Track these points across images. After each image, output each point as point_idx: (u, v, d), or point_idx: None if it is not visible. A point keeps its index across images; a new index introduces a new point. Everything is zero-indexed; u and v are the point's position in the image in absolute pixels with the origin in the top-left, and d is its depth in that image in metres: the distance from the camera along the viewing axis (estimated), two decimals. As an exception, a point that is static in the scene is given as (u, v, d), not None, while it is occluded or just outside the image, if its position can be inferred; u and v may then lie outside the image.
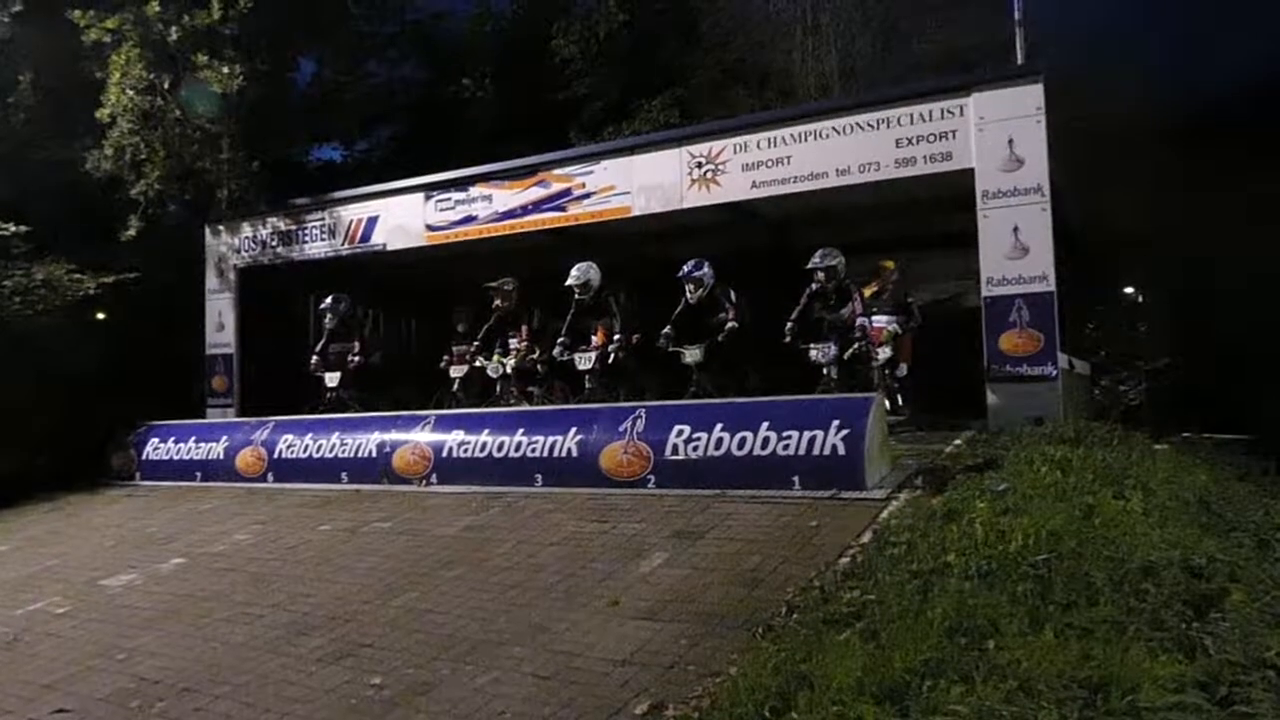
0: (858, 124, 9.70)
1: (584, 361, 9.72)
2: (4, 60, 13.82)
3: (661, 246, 11.83)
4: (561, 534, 6.81)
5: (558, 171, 11.60)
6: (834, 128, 9.84)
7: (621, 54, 17.91)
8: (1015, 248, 8.78)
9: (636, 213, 11.02)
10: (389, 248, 12.83)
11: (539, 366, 10.55)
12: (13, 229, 12.35)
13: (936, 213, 10.33)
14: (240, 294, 13.95)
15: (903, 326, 9.89)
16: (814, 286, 9.44)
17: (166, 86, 13.09)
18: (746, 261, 11.94)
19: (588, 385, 9.75)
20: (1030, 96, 8.83)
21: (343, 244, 13.18)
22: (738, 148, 10.36)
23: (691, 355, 9.38)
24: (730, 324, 9.34)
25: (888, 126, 9.54)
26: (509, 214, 11.88)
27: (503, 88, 18.91)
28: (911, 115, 9.43)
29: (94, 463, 11.51)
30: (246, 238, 13.99)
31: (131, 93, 12.89)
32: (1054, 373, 8.63)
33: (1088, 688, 3.36)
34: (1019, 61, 11.24)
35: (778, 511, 6.64)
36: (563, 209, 11.50)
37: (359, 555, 7.01)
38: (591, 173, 11.34)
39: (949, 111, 9.26)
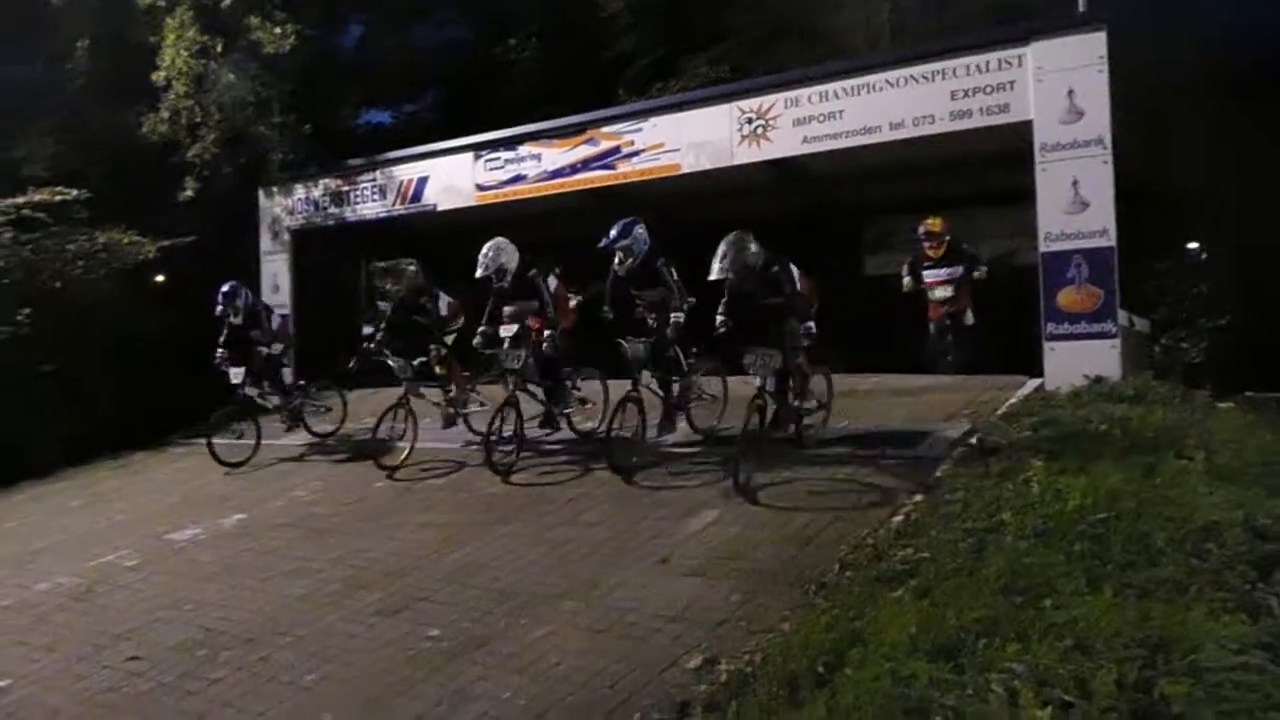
0: (912, 76, 9.48)
1: (512, 360, 7.94)
2: (62, 26, 14.03)
3: (709, 207, 11.74)
4: (611, 490, 6.86)
5: (606, 129, 11.52)
6: (887, 80, 9.62)
7: (668, 9, 17.64)
8: (1074, 202, 8.55)
9: (685, 170, 10.92)
10: (440, 208, 12.90)
11: (437, 368, 8.88)
12: (74, 194, 12.61)
13: (991, 167, 10.08)
14: (294, 255, 14.15)
15: (959, 278, 9.73)
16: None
17: (219, 50, 13.21)
18: (795, 223, 11.82)
19: (510, 386, 8.01)
20: (1092, 45, 8.54)
21: (394, 204, 13.28)
22: (788, 102, 10.18)
23: (632, 350, 7.51)
24: (677, 315, 7.51)
25: (943, 78, 9.30)
26: (558, 173, 11.86)
27: (549, 47, 18.75)
28: (967, 66, 9.18)
29: (156, 421, 11.79)
30: (300, 199, 14.16)
31: (186, 55, 13.05)
32: (1114, 330, 8.44)
33: (1147, 647, 3.31)
34: (1080, 10, 10.87)
35: (830, 470, 6.63)
36: (611, 167, 11.44)
37: (414, 512, 7.14)
38: (640, 130, 11.24)
39: (1006, 62, 9.00)
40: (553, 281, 8.36)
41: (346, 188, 13.78)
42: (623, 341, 7.51)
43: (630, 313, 7.94)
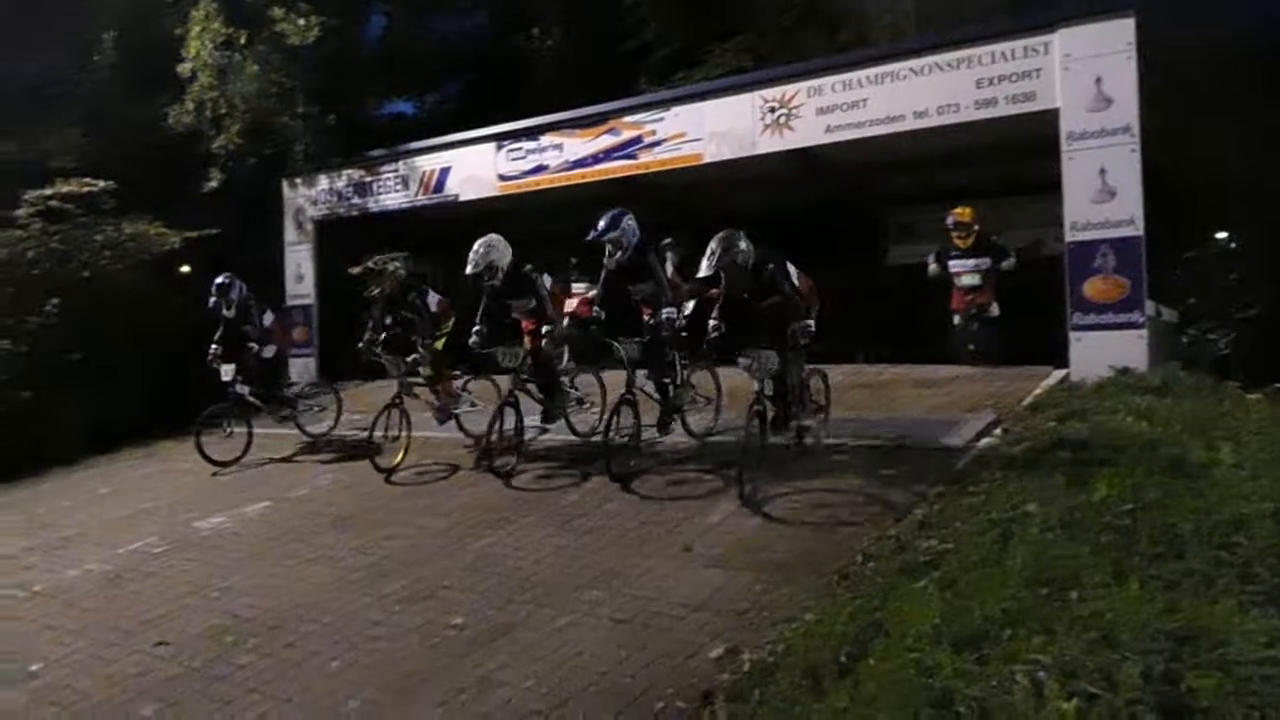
0: (937, 64, 9.41)
1: (508, 359, 7.73)
2: (89, 18, 14.15)
3: (731, 197, 11.71)
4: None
5: (628, 119, 11.51)
6: (911, 69, 9.56)
7: (689, -1, 17.57)
8: (1101, 191, 8.47)
9: (708, 160, 10.90)
10: (462, 198, 12.94)
11: (423, 369, 8.62)
12: (101, 185, 12.76)
13: (1017, 157, 9.99)
14: (318, 246, 14.24)
15: (987, 269, 9.65)
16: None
17: (243, 41, 13.30)
18: (817, 213, 11.79)
19: (509, 385, 7.78)
20: (1120, 32, 8.44)
21: (417, 194, 13.34)
22: (811, 91, 10.14)
23: (626, 351, 7.27)
24: (669, 311, 7.12)
25: (968, 66, 9.23)
26: (579, 163, 11.86)
27: (570, 37, 18.73)
28: (993, 54, 9.11)
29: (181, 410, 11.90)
30: (323, 190, 14.25)
31: (210, 46, 13.15)
32: (1141, 320, 8.36)
33: (1174, 640, 3.28)
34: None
35: (852, 460, 6.61)
36: (633, 157, 11.43)
37: (436, 500, 7.18)
38: (662, 120, 11.23)
39: (1033, 50, 8.92)
40: (547, 280, 8.05)
41: (369, 178, 13.86)
42: (615, 342, 7.25)
43: (624, 310, 7.66)
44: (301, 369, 13.97)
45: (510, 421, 7.68)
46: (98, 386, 10.85)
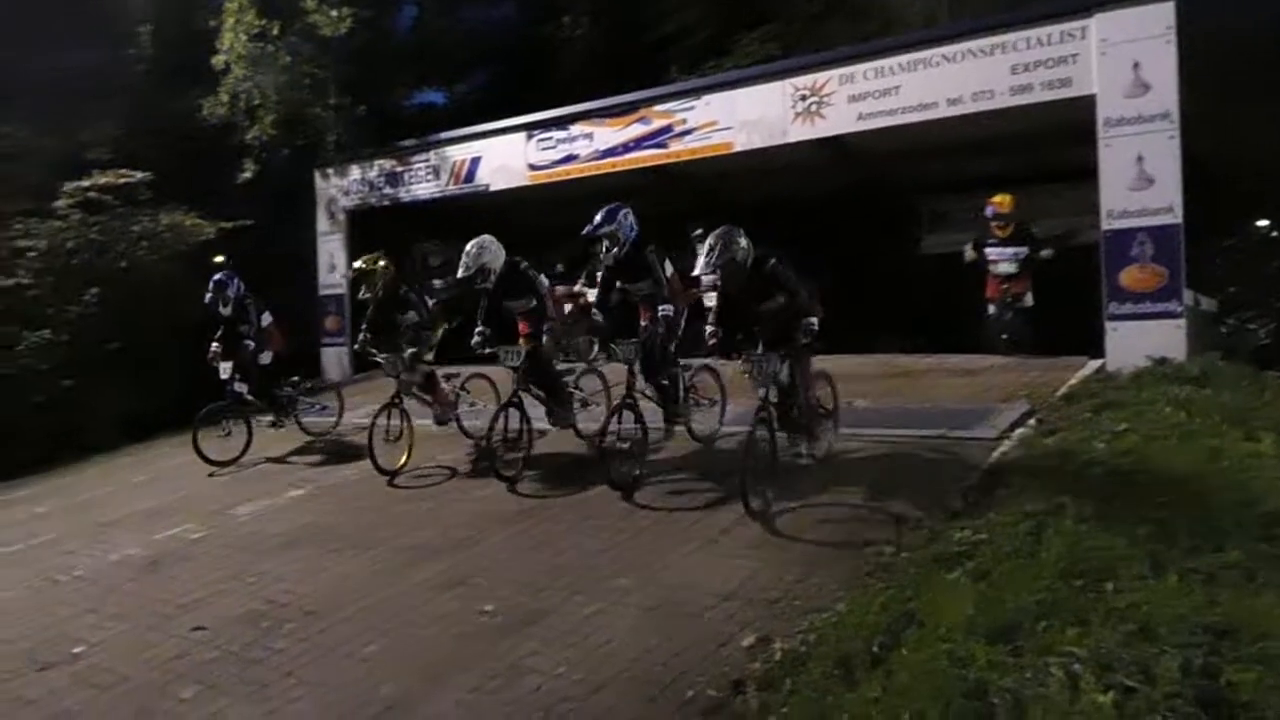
0: (970, 50, 9.30)
1: (511, 358, 7.32)
2: (125, 12, 14.33)
3: (762, 186, 11.66)
4: (660, 470, 6.87)
5: (658, 108, 11.49)
6: (945, 55, 9.46)
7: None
8: (1139, 178, 8.33)
9: (738, 149, 10.86)
10: (492, 188, 12.98)
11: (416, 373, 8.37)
12: (138, 176, 12.93)
13: (1052, 143, 9.85)
14: (350, 235, 14.33)
15: (1024, 259, 9.53)
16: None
17: (277, 33, 13.40)
18: (848, 202, 11.70)
19: (514, 385, 7.38)
20: (1159, 16, 8.29)
21: (448, 184, 13.40)
22: (843, 79, 10.06)
23: (622, 352, 6.80)
24: (665, 309, 6.87)
25: (1003, 52, 9.12)
26: (610, 152, 11.86)
27: (600, 26, 18.72)
28: (1028, 40, 8.99)
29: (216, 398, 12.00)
30: (355, 180, 14.34)
31: (244, 38, 13.27)
32: (1179, 309, 8.22)
33: (1213, 633, 3.25)
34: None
35: (884, 450, 6.57)
36: (663, 146, 11.41)
37: (466, 490, 7.22)
38: (693, 108, 11.19)
39: (1069, 35, 8.79)
40: (544, 279, 7.76)
41: (400, 168, 13.93)
42: (612, 343, 6.91)
43: (623, 308, 7.39)
44: (334, 359, 14.13)
45: (515, 423, 7.37)
46: (135, 376, 10.97)
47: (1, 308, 11.82)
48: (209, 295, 9.33)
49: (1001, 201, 9.64)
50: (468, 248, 7.48)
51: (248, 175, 13.64)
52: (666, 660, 4.00)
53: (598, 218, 7.11)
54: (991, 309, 9.76)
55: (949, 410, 7.41)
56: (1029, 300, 9.56)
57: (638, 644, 4.19)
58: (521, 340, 7.60)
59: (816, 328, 5.91)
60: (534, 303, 7.59)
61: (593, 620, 4.52)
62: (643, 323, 7.37)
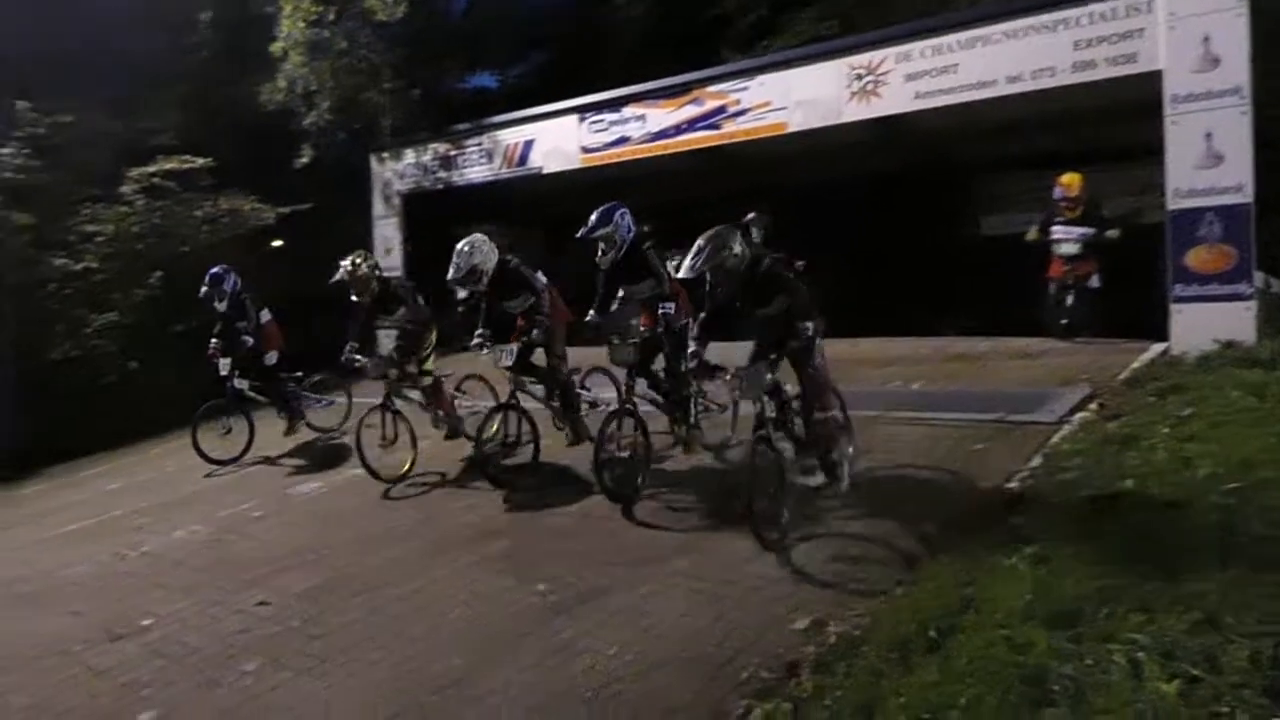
0: (1031, 27, 9.07)
1: (505, 357, 6.93)
2: (185, 1, 14.61)
3: (816, 167, 11.54)
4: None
5: (712, 89, 11.41)
6: (1005, 32, 9.24)
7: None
8: (1208, 156, 8.08)
9: (792, 129, 10.73)
10: (545, 170, 13.03)
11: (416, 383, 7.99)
12: (200, 162, 13.20)
13: (1115, 121, 9.58)
14: (405, 218, 14.51)
15: (1090, 239, 9.24)
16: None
17: (333, 18, 13.57)
18: (904, 183, 11.53)
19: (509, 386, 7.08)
20: (1231, -13, 8.02)
21: (501, 167, 13.47)
22: (900, 57, 9.89)
23: (619, 355, 6.44)
24: (665, 308, 6.51)
25: (1065, 28, 8.87)
26: (662, 134, 11.81)
27: (652, 7, 18.63)
28: (1092, 14, 8.73)
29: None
30: (409, 164, 14.49)
31: (302, 25, 13.46)
32: (1248, 291, 7.97)
33: (1283, 623, 3.17)
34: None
35: (940, 435, 6.49)
36: (716, 127, 11.33)
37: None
38: (746, 89, 11.09)
39: (1135, 9, 8.53)
40: (541, 277, 7.22)
41: (454, 152, 14.04)
42: (609, 342, 6.55)
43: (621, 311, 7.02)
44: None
45: (512, 427, 7.18)
46: (197, 357, 11.22)
47: (71, 291, 12.17)
48: (204, 289, 9.11)
49: (1070, 182, 9.35)
50: (458, 247, 7.04)
51: (305, 160, 13.88)
52: (720, 641, 4.02)
53: (593, 218, 6.78)
54: (1052, 288, 9.52)
55: (1007, 394, 7.28)
56: (1095, 282, 9.30)
57: (691, 625, 4.22)
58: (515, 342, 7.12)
59: (812, 332, 5.28)
60: (531, 300, 7.12)
61: (646, 600, 4.55)
62: (641, 325, 7.06)
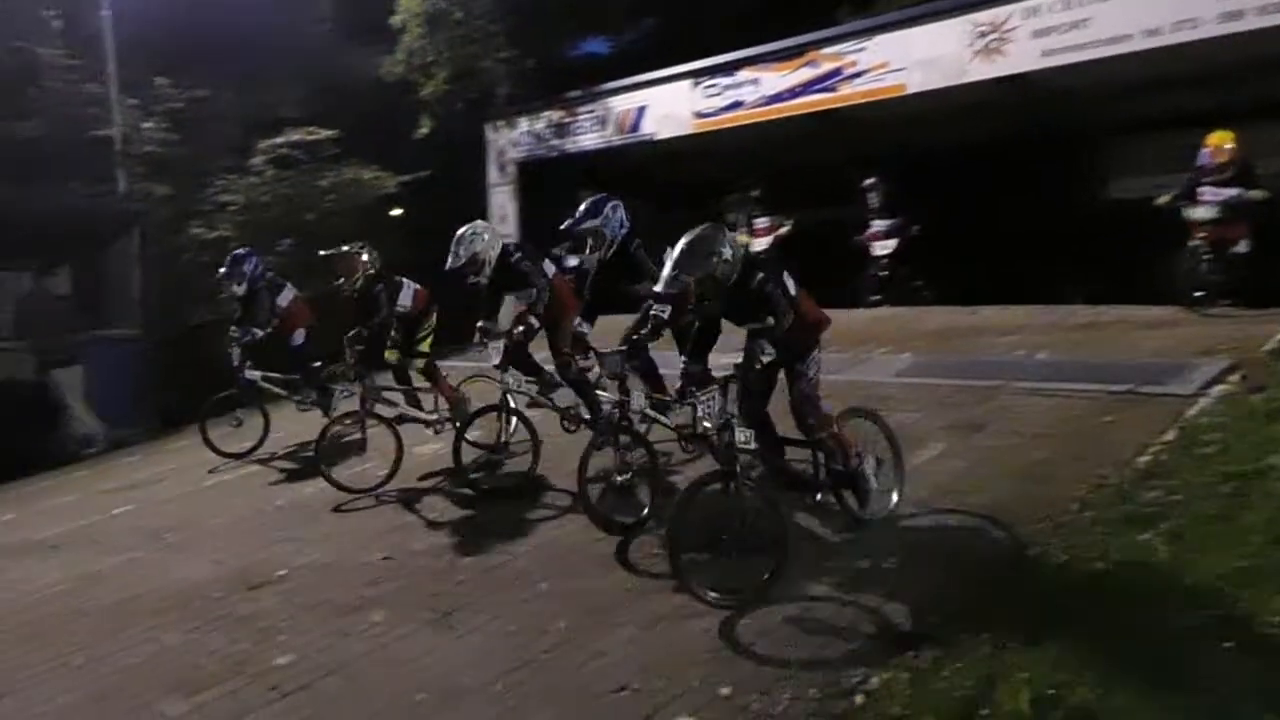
0: (1173, -26, 8.56)
1: (494, 355, 6.37)
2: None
3: (933, 130, 11.18)
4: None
5: (827, 50, 11.18)
6: (1143, -19, 8.75)
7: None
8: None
9: (911, 90, 10.45)
10: (658, 136, 13.02)
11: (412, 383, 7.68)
12: (324, 133, 13.66)
13: (1265, 75, 8.95)
14: (520, 186, 14.73)
15: (1235, 201, 8.60)
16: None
17: (449, -11, 13.82)
18: (1028, 145, 11.02)
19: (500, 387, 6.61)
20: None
21: (613, 134, 13.53)
22: (1027, 13, 9.51)
23: (608, 364, 5.58)
24: (656, 313, 5.57)
25: (1211, -26, 8.34)
26: (776, 98, 11.65)
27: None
28: (1242, -41, 8.20)
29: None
30: (523, 132, 14.69)
31: (420, -3, 13.77)
32: None
33: None
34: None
35: (1066, 406, 6.26)
36: (832, 90, 11.11)
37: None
38: (864, 49, 10.83)
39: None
40: (549, 266, 6.81)
41: (567, 119, 14.16)
42: (593, 350, 6.08)
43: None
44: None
45: (504, 432, 6.76)
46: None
47: (207, 259, 12.77)
48: (223, 270, 8.66)
49: (1219, 141, 8.65)
50: (459, 234, 6.57)
51: (424, 131, 14.20)
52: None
53: (580, 209, 6.21)
54: (1187, 251, 8.89)
55: (1138, 365, 6.94)
56: (1244, 247, 8.62)
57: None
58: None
59: (771, 352, 4.45)
60: (534, 294, 6.52)
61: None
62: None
